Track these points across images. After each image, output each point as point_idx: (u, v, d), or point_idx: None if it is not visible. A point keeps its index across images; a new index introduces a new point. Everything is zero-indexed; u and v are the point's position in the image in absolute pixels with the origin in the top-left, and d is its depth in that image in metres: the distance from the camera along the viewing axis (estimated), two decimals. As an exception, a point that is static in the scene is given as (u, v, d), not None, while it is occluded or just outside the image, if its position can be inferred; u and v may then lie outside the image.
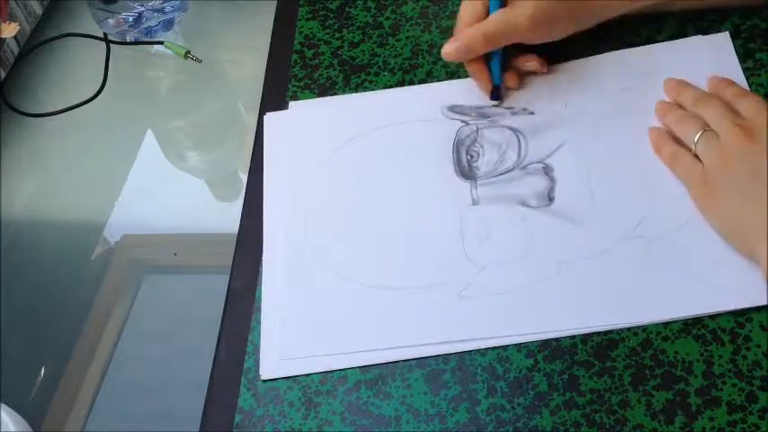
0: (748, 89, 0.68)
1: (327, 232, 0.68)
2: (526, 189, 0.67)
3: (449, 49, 0.70)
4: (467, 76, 0.74)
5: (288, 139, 0.74)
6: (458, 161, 0.70)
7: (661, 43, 0.73)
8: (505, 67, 0.71)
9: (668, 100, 0.69)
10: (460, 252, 0.65)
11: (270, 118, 0.75)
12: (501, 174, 0.68)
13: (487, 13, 0.69)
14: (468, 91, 0.74)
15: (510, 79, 0.72)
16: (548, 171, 0.67)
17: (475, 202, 0.68)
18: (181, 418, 0.97)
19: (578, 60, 0.74)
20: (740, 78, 0.69)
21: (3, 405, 0.96)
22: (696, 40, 0.73)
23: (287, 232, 0.68)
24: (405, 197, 0.69)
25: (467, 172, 0.69)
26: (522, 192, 0.67)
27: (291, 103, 0.76)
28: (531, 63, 0.72)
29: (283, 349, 0.62)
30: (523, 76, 0.73)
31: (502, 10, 0.68)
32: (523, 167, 0.68)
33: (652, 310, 0.60)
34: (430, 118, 0.73)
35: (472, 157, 0.69)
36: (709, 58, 0.71)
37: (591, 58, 0.74)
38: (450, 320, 0.62)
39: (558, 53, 0.73)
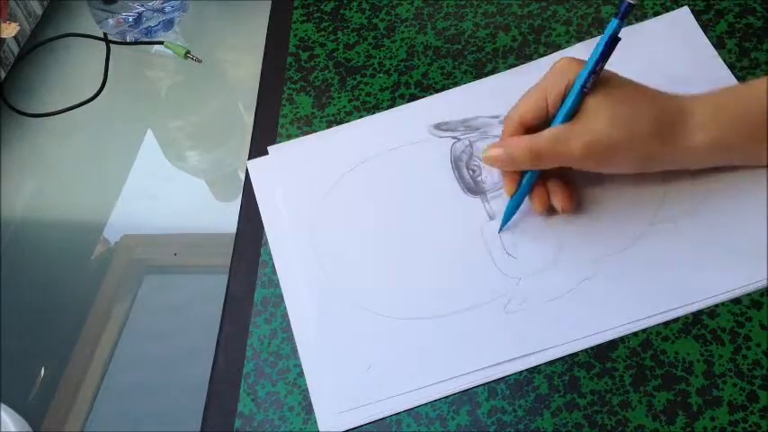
0: (718, 58, 0.70)
1: (349, 274, 0.66)
2: None
3: (492, 153, 0.62)
4: (463, 83, 0.74)
5: (278, 185, 0.72)
6: (461, 178, 0.69)
7: (624, 28, 0.74)
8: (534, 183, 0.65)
9: None
10: (492, 268, 0.64)
11: (253, 165, 0.74)
12: None
13: (548, 117, 0.62)
14: (449, 105, 0.73)
15: (537, 202, 0.64)
16: None
17: (491, 217, 0.66)
18: (181, 418, 0.97)
19: (552, 56, 0.74)
20: (708, 48, 0.70)
21: (3, 405, 0.96)
22: (658, 20, 0.73)
23: (307, 282, 0.66)
24: (419, 224, 0.68)
25: (473, 188, 0.68)
26: None
27: (271, 148, 0.74)
28: (557, 199, 0.63)
29: (338, 402, 0.60)
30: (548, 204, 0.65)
31: (560, 126, 0.60)
32: None
33: (701, 288, 0.60)
34: (419, 140, 0.72)
35: (474, 171, 0.68)
36: (676, 32, 0.71)
37: (564, 51, 0.74)
38: (503, 337, 0.61)
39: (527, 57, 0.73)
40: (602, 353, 0.59)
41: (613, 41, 0.59)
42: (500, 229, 0.65)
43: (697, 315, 0.59)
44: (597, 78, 0.59)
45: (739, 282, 0.59)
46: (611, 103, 0.59)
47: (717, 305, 0.59)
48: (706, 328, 0.59)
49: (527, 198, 0.64)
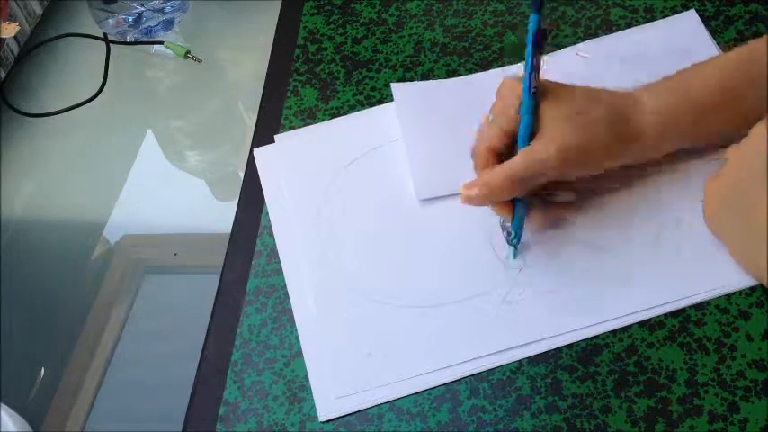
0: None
1: (352, 261, 0.66)
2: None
3: (470, 194, 0.59)
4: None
5: (284, 173, 0.72)
6: None
7: (631, 28, 0.73)
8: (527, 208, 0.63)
9: None
10: (494, 259, 0.64)
11: (260, 153, 0.74)
12: None
13: (513, 138, 0.61)
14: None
15: (536, 219, 0.63)
16: None
17: None
18: (180, 417, 0.97)
19: (554, 53, 0.73)
20: (712, 47, 0.69)
21: (3, 405, 0.97)
22: (663, 21, 0.73)
23: (309, 267, 0.66)
24: (421, 214, 0.68)
25: None
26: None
27: (277, 137, 0.74)
28: (564, 194, 0.62)
29: (338, 387, 0.60)
30: (553, 212, 0.64)
31: (528, 147, 0.59)
32: None
33: (702, 282, 0.59)
34: None
35: None
36: (681, 34, 0.71)
37: (567, 49, 0.73)
38: (500, 327, 0.60)
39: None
40: (586, 356, 0.58)
41: (540, 34, 0.59)
42: (514, 257, 0.64)
43: (684, 323, 0.58)
44: (539, 77, 0.60)
45: (739, 278, 0.59)
46: (566, 111, 0.60)
47: (704, 314, 0.58)
48: (692, 336, 0.58)
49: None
